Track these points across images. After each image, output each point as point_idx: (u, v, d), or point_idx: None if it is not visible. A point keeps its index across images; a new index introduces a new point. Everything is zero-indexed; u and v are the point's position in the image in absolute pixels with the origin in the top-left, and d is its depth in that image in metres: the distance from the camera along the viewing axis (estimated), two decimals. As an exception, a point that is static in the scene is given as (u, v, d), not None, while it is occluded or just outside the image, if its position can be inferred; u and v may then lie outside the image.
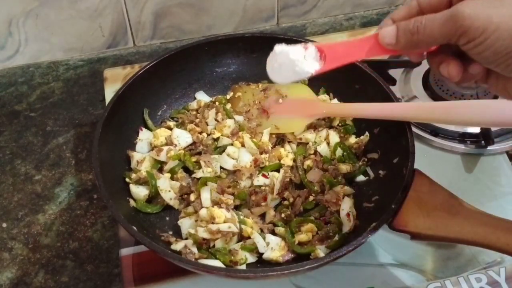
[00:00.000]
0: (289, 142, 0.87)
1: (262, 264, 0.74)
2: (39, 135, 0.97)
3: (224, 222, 0.74)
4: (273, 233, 0.77)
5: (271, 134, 0.87)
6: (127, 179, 0.80)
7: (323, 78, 0.92)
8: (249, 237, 0.75)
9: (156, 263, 0.76)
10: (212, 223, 0.74)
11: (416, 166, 0.72)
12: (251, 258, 0.74)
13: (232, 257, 0.72)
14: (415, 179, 0.70)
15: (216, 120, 0.89)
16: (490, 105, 0.72)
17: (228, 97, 0.93)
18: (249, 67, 0.95)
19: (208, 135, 0.86)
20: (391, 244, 0.78)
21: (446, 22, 0.50)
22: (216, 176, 0.82)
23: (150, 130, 0.88)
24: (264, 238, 0.75)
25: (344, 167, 0.82)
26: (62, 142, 0.96)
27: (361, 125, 0.87)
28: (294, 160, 0.84)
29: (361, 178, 0.83)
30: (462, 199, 0.68)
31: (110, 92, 0.99)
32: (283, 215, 0.77)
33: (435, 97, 0.95)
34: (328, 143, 0.86)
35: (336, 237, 0.74)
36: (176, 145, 0.84)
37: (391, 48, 0.57)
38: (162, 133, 0.86)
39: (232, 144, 0.85)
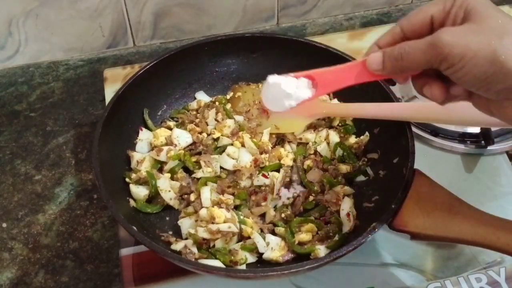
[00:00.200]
0: (289, 142, 0.87)
1: (262, 264, 0.74)
2: (39, 135, 0.97)
3: (224, 222, 0.74)
4: (273, 233, 0.77)
5: (271, 134, 0.87)
6: (127, 179, 0.80)
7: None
8: (249, 237, 0.75)
9: (156, 263, 0.76)
10: (212, 223, 0.74)
11: (416, 166, 0.72)
12: (251, 258, 0.74)
13: (232, 257, 0.72)
14: (415, 179, 0.70)
15: (216, 120, 0.89)
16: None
17: (228, 97, 0.93)
18: (249, 67, 0.95)
19: (208, 135, 0.86)
20: (391, 244, 0.78)
21: (427, 49, 0.52)
22: (216, 176, 0.82)
23: (150, 130, 0.88)
24: (264, 238, 0.75)
25: (344, 167, 0.82)
26: (62, 142, 0.96)
27: (361, 125, 0.87)
28: (294, 160, 0.84)
29: (361, 178, 0.83)
30: (462, 199, 0.68)
31: (110, 92, 0.99)
32: (283, 215, 0.77)
33: (435, 97, 0.95)
34: (328, 143, 0.86)
35: (336, 237, 0.74)
36: (176, 145, 0.84)
37: (378, 73, 0.59)
38: (162, 133, 0.86)
39: (232, 144, 0.85)
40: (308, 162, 0.83)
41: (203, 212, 0.75)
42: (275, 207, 0.80)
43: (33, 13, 1.02)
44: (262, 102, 0.67)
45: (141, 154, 0.84)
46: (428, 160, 0.87)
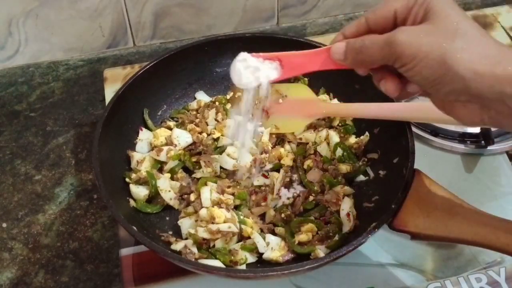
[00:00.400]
0: (289, 142, 0.87)
1: (262, 264, 0.74)
2: (39, 135, 0.97)
3: (224, 222, 0.74)
4: (273, 233, 0.77)
5: (271, 134, 0.87)
6: (127, 179, 0.80)
7: (323, 78, 0.93)
8: (249, 237, 0.75)
9: (156, 263, 0.76)
10: (212, 223, 0.74)
11: (416, 166, 0.72)
12: (251, 258, 0.74)
13: (232, 257, 0.72)
14: (415, 179, 0.70)
15: (216, 120, 0.89)
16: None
17: (228, 97, 0.93)
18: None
19: (208, 135, 0.86)
20: (391, 244, 0.78)
21: (384, 46, 0.54)
22: (216, 176, 0.82)
23: (150, 130, 0.88)
24: (264, 238, 0.75)
25: (344, 167, 0.82)
26: (62, 142, 0.96)
27: (361, 125, 0.87)
28: (294, 160, 0.84)
29: (361, 178, 0.83)
30: (462, 199, 0.68)
31: (110, 92, 0.99)
32: (283, 215, 0.77)
33: (435, 97, 0.95)
34: (328, 143, 0.86)
35: (336, 237, 0.74)
36: (176, 145, 0.84)
37: (340, 63, 0.61)
38: (162, 133, 0.86)
39: (232, 144, 0.85)
40: (308, 162, 0.83)
41: (203, 212, 0.75)
42: (275, 207, 0.80)
43: (33, 13, 1.02)
44: (231, 75, 0.69)
45: (141, 154, 0.84)
46: (428, 160, 0.87)
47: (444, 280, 0.75)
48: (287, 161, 0.83)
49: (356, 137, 0.87)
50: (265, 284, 0.75)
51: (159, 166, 0.83)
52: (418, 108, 0.80)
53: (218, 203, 0.77)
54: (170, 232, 0.77)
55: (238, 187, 0.80)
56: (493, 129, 0.88)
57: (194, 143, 0.85)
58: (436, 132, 0.91)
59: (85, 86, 1.06)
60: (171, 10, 1.09)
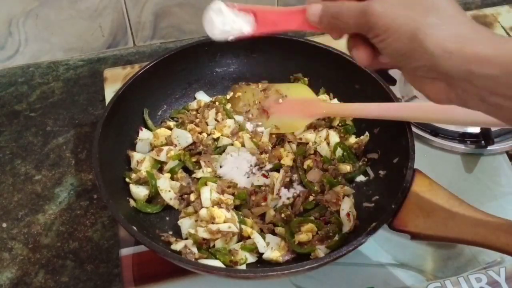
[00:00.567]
0: (289, 142, 0.87)
1: (262, 264, 0.74)
2: (39, 135, 0.97)
3: (224, 222, 0.74)
4: (273, 233, 0.77)
5: (271, 134, 0.87)
6: (127, 179, 0.80)
7: (323, 78, 0.93)
8: (249, 237, 0.75)
9: (156, 263, 0.76)
10: (212, 223, 0.74)
11: (416, 166, 0.72)
12: (251, 258, 0.74)
13: (232, 257, 0.72)
14: (415, 179, 0.70)
15: (216, 120, 0.89)
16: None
17: (228, 97, 0.93)
18: (249, 67, 0.95)
19: (208, 135, 0.86)
20: (391, 244, 0.78)
21: (359, 14, 0.53)
22: (216, 176, 0.82)
23: (150, 130, 0.88)
24: (264, 238, 0.75)
25: (344, 167, 0.82)
26: (62, 142, 0.96)
27: (361, 125, 0.87)
28: (294, 160, 0.84)
29: (361, 178, 0.83)
30: (462, 199, 0.68)
31: (110, 92, 0.99)
32: (283, 215, 0.77)
33: (435, 97, 0.95)
34: (328, 143, 0.86)
35: (336, 237, 0.74)
36: (176, 145, 0.84)
37: (315, 26, 0.60)
38: (162, 133, 0.86)
39: (232, 144, 0.85)
40: (308, 162, 0.83)
41: (203, 212, 0.75)
42: (275, 207, 0.80)
43: (33, 13, 1.02)
44: (204, 25, 0.67)
45: (141, 154, 0.84)
46: (428, 160, 0.87)
47: (444, 280, 0.75)
48: (287, 161, 0.83)
49: (356, 137, 0.87)
50: (265, 284, 0.75)
51: (159, 166, 0.83)
52: (418, 108, 0.80)
53: (218, 203, 0.77)
54: (170, 232, 0.77)
55: (238, 187, 0.80)
56: (493, 129, 0.88)
57: (194, 143, 0.85)
58: (436, 132, 0.91)
59: (85, 86, 1.06)
60: (171, 10, 1.09)
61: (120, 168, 0.82)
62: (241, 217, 0.77)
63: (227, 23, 0.64)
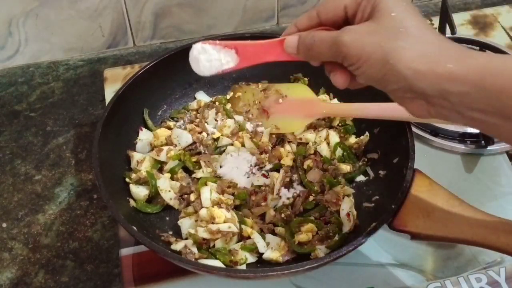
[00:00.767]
0: (289, 142, 0.87)
1: (262, 264, 0.74)
2: (39, 135, 0.97)
3: (224, 222, 0.74)
4: (273, 233, 0.77)
5: (271, 134, 0.87)
6: (127, 179, 0.80)
7: (323, 78, 0.93)
8: (249, 237, 0.75)
9: (156, 263, 0.76)
10: (212, 223, 0.74)
11: (416, 166, 0.72)
12: (251, 258, 0.74)
13: (232, 257, 0.72)
14: (415, 179, 0.70)
15: (216, 120, 0.88)
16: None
17: (228, 97, 0.93)
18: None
19: (208, 135, 0.86)
20: (391, 244, 0.78)
21: (331, 45, 0.55)
22: (216, 176, 0.82)
23: (150, 130, 0.88)
24: (264, 238, 0.75)
25: (344, 167, 0.82)
26: (62, 142, 0.96)
27: (361, 125, 0.87)
28: (294, 160, 0.84)
29: (361, 178, 0.83)
30: (462, 199, 0.68)
31: (110, 92, 0.99)
32: (283, 215, 0.77)
33: (435, 97, 0.95)
34: (328, 143, 0.86)
35: (336, 237, 0.74)
36: (176, 145, 0.85)
37: (294, 56, 0.62)
38: (162, 133, 0.86)
39: (232, 144, 0.85)
40: (308, 162, 0.83)
41: (203, 212, 0.75)
42: (275, 207, 0.80)
43: (33, 13, 1.02)
44: (190, 64, 0.69)
45: (141, 154, 0.84)
46: (428, 160, 0.87)
47: (444, 280, 0.75)
48: (287, 161, 0.83)
49: (356, 137, 0.87)
50: (265, 284, 0.75)
51: (159, 166, 0.83)
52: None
53: (218, 203, 0.77)
54: (170, 232, 0.77)
55: (238, 187, 0.80)
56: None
57: (194, 143, 0.85)
58: (436, 132, 0.91)
59: (85, 86, 1.06)
60: (171, 10, 1.09)
61: (120, 168, 0.82)
62: (241, 217, 0.77)
63: (211, 60, 0.66)
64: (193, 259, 0.71)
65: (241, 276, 0.69)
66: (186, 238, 0.75)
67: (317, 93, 0.90)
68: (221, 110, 0.89)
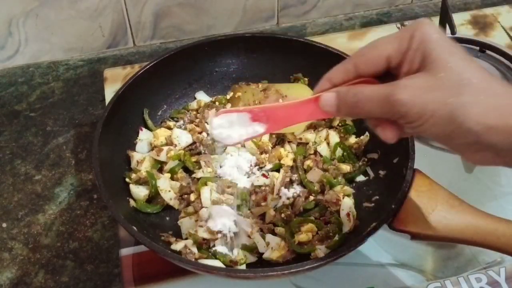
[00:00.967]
0: (289, 142, 0.87)
1: (262, 264, 0.74)
2: (39, 135, 0.97)
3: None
4: (273, 233, 0.77)
5: (271, 134, 0.87)
6: (127, 179, 0.80)
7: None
8: (249, 237, 0.75)
9: (156, 263, 0.76)
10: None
11: (416, 166, 0.72)
12: (251, 258, 0.74)
13: (232, 257, 0.72)
14: (415, 179, 0.70)
15: (216, 120, 0.88)
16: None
17: (228, 97, 0.93)
18: (249, 67, 0.95)
19: (208, 135, 0.86)
20: (391, 244, 0.78)
21: (384, 104, 0.50)
22: (216, 176, 0.82)
23: (150, 130, 0.88)
24: (264, 238, 0.75)
25: (344, 167, 0.82)
26: (62, 142, 0.96)
27: (361, 125, 0.87)
28: (294, 160, 0.84)
29: (361, 178, 0.83)
30: (462, 199, 0.68)
31: (110, 92, 0.99)
32: (283, 215, 0.77)
33: (435, 97, 0.94)
34: (328, 143, 0.86)
35: (336, 237, 0.74)
36: (176, 145, 0.85)
37: (332, 115, 0.57)
38: (162, 133, 0.86)
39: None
40: (308, 162, 0.83)
41: (203, 212, 0.75)
42: (275, 207, 0.80)
43: (33, 13, 1.02)
44: (213, 135, 0.63)
45: (141, 154, 0.84)
46: (428, 160, 0.87)
47: (444, 280, 0.75)
48: (287, 161, 0.83)
49: (356, 137, 0.87)
50: (265, 284, 0.75)
51: (159, 166, 0.83)
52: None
53: (218, 203, 0.77)
54: (170, 232, 0.77)
55: (238, 187, 0.80)
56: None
57: (194, 143, 0.85)
58: (436, 132, 0.91)
59: (85, 86, 1.06)
60: (171, 10, 1.09)
61: (120, 168, 0.82)
62: (241, 217, 0.77)
63: (237, 130, 0.61)
64: (193, 259, 0.71)
65: (241, 276, 0.69)
66: (186, 238, 0.75)
67: (317, 93, 0.90)
68: (221, 110, 0.89)
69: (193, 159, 0.83)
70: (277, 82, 0.92)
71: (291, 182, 0.82)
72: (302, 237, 0.74)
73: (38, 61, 1.10)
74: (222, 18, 1.12)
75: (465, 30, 1.12)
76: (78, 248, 0.82)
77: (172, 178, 0.82)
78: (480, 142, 0.47)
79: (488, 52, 1.02)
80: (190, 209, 0.78)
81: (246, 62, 0.95)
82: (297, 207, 0.79)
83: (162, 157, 0.83)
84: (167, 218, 0.80)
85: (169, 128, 0.88)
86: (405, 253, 0.78)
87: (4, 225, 0.85)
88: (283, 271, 0.65)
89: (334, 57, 0.88)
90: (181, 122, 0.89)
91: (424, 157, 0.87)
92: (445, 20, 1.01)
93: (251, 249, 0.74)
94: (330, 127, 0.88)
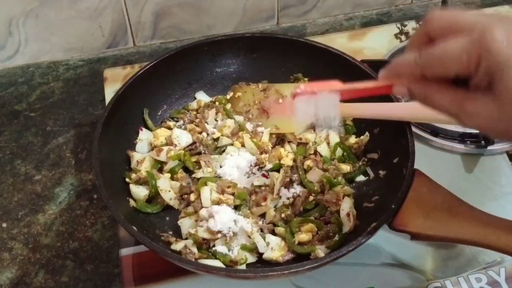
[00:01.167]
0: (289, 142, 0.87)
1: (262, 264, 0.74)
2: (39, 135, 0.97)
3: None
4: (273, 233, 0.77)
5: (271, 134, 0.87)
6: (127, 179, 0.80)
7: (323, 78, 0.93)
8: (249, 237, 0.75)
9: (156, 263, 0.76)
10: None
11: (416, 166, 0.72)
12: (251, 258, 0.74)
13: (232, 257, 0.72)
14: (415, 179, 0.70)
15: (216, 120, 0.89)
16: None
17: (228, 97, 0.93)
18: (249, 67, 0.95)
19: (208, 135, 0.86)
20: (391, 244, 0.78)
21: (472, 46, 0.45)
22: (216, 176, 0.82)
23: (150, 130, 0.88)
24: (264, 238, 0.75)
25: (344, 167, 0.82)
26: (62, 142, 0.96)
27: (361, 125, 0.87)
28: (294, 160, 0.84)
29: (361, 178, 0.83)
30: (462, 199, 0.68)
31: (110, 92, 0.99)
32: (283, 215, 0.77)
33: (435, 97, 0.94)
34: (328, 143, 0.86)
35: (336, 237, 0.74)
36: (176, 145, 0.84)
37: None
38: (162, 133, 0.86)
39: (232, 144, 0.85)
40: (308, 162, 0.83)
41: (203, 212, 0.75)
42: (275, 207, 0.80)
43: (33, 13, 1.02)
44: (299, 119, 0.64)
45: (141, 154, 0.84)
46: (428, 160, 0.87)
47: (444, 280, 0.75)
48: (287, 161, 0.83)
49: (356, 137, 0.87)
50: (265, 284, 0.75)
51: (159, 166, 0.83)
52: (418, 108, 0.80)
53: (218, 203, 0.77)
54: (170, 232, 0.77)
55: (238, 187, 0.80)
56: (493, 129, 0.88)
57: (194, 143, 0.85)
58: (436, 132, 0.91)
59: (85, 86, 1.06)
60: (171, 10, 1.09)
61: (120, 168, 0.82)
62: (241, 217, 0.77)
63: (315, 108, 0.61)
64: (193, 259, 0.71)
65: (241, 276, 0.69)
66: (186, 238, 0.75)
67: (317, 93, 0.90)
68: (221, 110, 0.89)
69: (193, 159, 0.83)
70: (277, 82, 0.92)
71: (291, 182, 0.82)
72: (302, 237, 0.74)
73: (38, 61, 1.10)
74: (222, 18, 1.12)
75: (465, 30, 1.12)
76: (78, 248, 0.82)
77: (172, 178, 0.82)
78: None
79: None
80: (190, 209, 0.78)
81: (246, 62, 0.95)
82: (297, 207, 0.79)
83: (162, 157, 0.83)
84: (167, 218, 0.80)
85: (169, 128, 0.88)
86: (405, 253, 0.78)
87: (4, 225, 0.85)
88: (283, 271, 0.65)
89: (334, 57, 0.88)
90: (181, 122, 0.89)
91: (424, 157, 0.88)
92: (445, 20, 1.01)
93: (251, 249, 0.74)
94: (330, 127, 0.88)
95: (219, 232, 0.73)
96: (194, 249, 0.73)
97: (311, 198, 0.80)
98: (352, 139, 0.86)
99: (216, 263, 0.72)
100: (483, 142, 0.89)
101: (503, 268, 0.75)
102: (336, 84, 0.61)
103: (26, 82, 1.07)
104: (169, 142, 0.85)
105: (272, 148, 0.86)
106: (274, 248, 0.74)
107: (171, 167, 0.82)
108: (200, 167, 0.82)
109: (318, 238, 0.75)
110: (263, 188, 0.80)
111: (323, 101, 0.62)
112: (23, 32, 1.04)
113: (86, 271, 0.79)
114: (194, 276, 0.75)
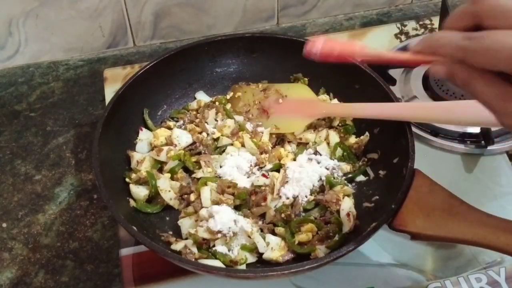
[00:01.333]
0: (289, 142, 0.87)
1: (262, 264, 0.74)
2: (39, 135, 0.97)
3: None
4: (273, 233, 0.77)
5: (271, 134, 0.87)
6: (127, 179, 0.80)
7: (323, 78, 0.93)
8: (249, 237, 0.75)
9: (156, 263, 0.76)
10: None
11: (416, 166, 0.72)
12: (251, 258, 0.74)
13: (232, 257, 0.72)
14: (415, 179, 0.70)
15: (216, 120, 0.89)
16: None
17: (228, 97, 0.93)
18: (249, 67, 0.95)
19: (208, 135, 0.86)
20: (391, 244, 0.78)
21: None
22: (216, 176, 0.82)
23: (150, 130, 0.88)
24: (264, 238, 0.75)
25: (344, 167, 0.82)
26: (62, 142, 0.96)
27: (361, 125, 0.87)
28: (294, 160, 0.84)
29: (361, 178, 0.83)
30: (462, 199, 0.68)
31: (110, 92, 0.99)
32: (283, 215, 0.77)
33: (435, 97, 0.95)
34: (328, 143, 0.86)
35: (336, 237, 0.74)
36: (176, 145, 0.84)
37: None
38: (162, 133, 0.86)
39: (232, 144, 0.85)
40: (308, 162, 0.83)
41: (203, 212, 0.75)
42: (275, 207, 0.80)
43: (33, 13, 1.02)
44: None
45: (141, 154, 0.84)
46: (428, 160, 0.87)
47: (444, 280, 0.75)
48: (287, 161, 0.83)
49: (356, 137, 0.87)
50: (265, 284, 0.75)
51: (159, 166, 0.83)
52: (418, 108, 0.80)
53: (218, 203, 0.77)
54: (170, 232, 0.77)
55: (238, 187, 0.80)
56: (493, 129, 0.88)
57: (194, 143, 0.85)
58: (436, 132, 0.91)
59: (85, 86, 1.06)
60: (171, 10, 1.09)
61: (120, 168, 0.82)
62: (241, 217, 0.77)
63: None
64: (193, 259, 0.71)
65: (241, 276, 0.69)
66: (186, 238, 0.75)
67: (317, 93, 0.90)
68: (221, 110, 0.89)
69: (193, 159, 0.83)
70: (277, 82, 0.92)
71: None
72: (302, 237, 0.74)
73: (38, 61, 1.10)
74: (222, 18, 1.12)
75: (465, 30, 1.12)
76: (78, 248, 0.82)
77: (172, 178, 0.82)
78: None
79: None
80: (190, 209, 0.78)
81: (246, 62, 0.95)
82: (297, 207, 0.79)
83: (162, 157, 0.83)
84: (167, 218, 0.80)
85: (169, 128, 0.88)
86: (405, 253, 0.78)
87: (4, 225, 0.85)
88: (283, 271, 0.65)
89: (334, 57, 0.88)
90: (181, 122, 0.89)
91: (424, 157, 0.88)
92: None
93: (251, 249, 0.74)
94: (330, 127, 0.88)
95: (219, 232, 0.73)
96: (194, 249, 0.73)
97: (311, 198, 0.80)
98: (352, 139, 0.86)
99: (216, 263, 0.72)
100: (483, 142, 0.89)
101: (503, 268, 0.75)
102: (359, 48, 0.56)
103: (26, 82, 1.07)
104: (169, 142, 0.85)
105: (272, 148, 0.86)
106: (274, 248, 0.74)
107: (171, 167, 0.82)
108: (200, 167, 0.82)
109: (318, 238, 0.75)
110: (263, 188, 0.80)
111: None
112: (23, 32, 1.04)
113: (86, 271, 0.79)
114: (194, 276, 0.75)
